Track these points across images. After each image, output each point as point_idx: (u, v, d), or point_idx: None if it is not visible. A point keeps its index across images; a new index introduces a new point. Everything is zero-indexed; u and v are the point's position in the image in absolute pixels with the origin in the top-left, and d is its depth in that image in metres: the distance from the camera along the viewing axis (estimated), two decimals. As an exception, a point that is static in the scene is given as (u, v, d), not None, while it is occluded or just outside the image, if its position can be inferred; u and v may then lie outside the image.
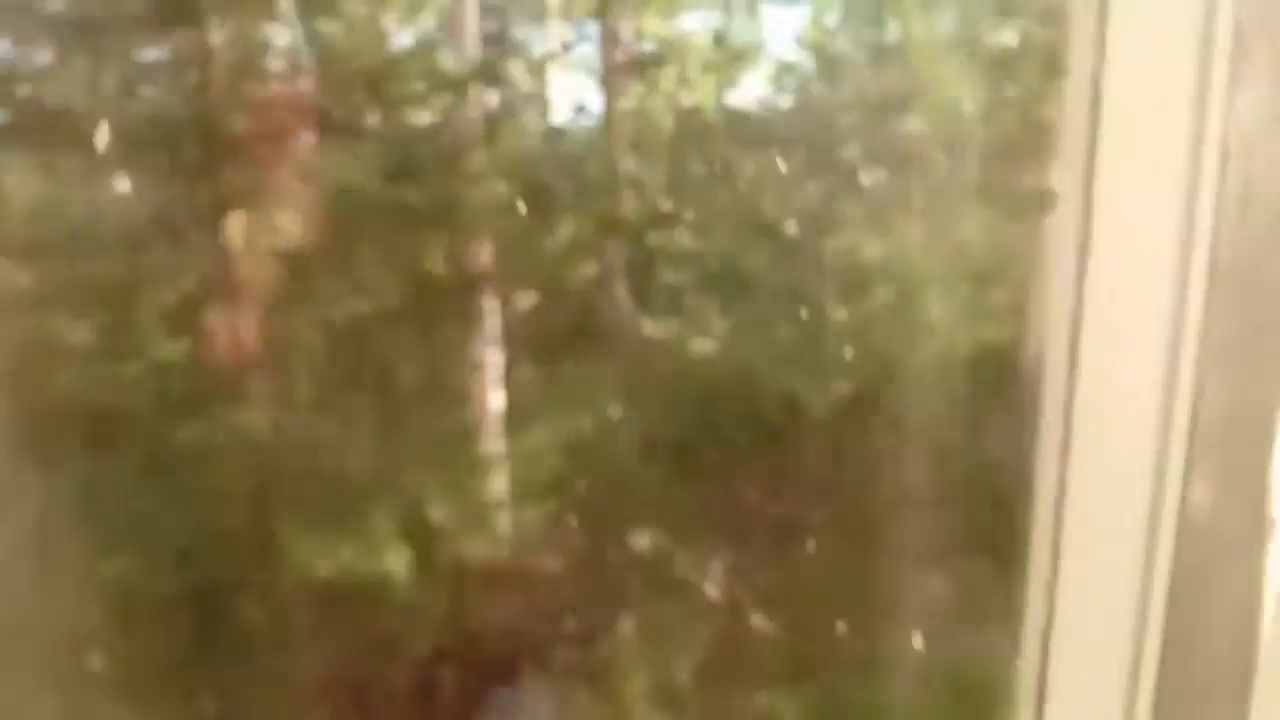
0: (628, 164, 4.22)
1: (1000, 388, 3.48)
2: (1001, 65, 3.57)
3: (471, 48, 2.91)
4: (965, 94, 3.80)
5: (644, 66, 4.44)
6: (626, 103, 4.33)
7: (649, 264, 4.24)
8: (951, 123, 3.90)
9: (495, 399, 3.08)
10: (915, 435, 3.40)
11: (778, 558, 2.95)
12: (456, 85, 2.46)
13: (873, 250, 4.11)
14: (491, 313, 2.93)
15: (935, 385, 3.54)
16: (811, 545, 2.96)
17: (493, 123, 3.06)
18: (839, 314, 3.88)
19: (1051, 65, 3.21)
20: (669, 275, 4.17)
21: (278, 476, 2.16)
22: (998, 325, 3.70)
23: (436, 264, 2.61)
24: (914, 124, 4.06)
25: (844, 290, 3.95)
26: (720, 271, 4.17)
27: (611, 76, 4.27)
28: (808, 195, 4.30)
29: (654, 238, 4.39)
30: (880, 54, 4.30)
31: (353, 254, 2.41)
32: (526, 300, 3.24)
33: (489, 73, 2.60)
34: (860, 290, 3.96)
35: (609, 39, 4.31)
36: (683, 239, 4.30)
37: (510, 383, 3.14)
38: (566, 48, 4.55)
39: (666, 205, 4.29)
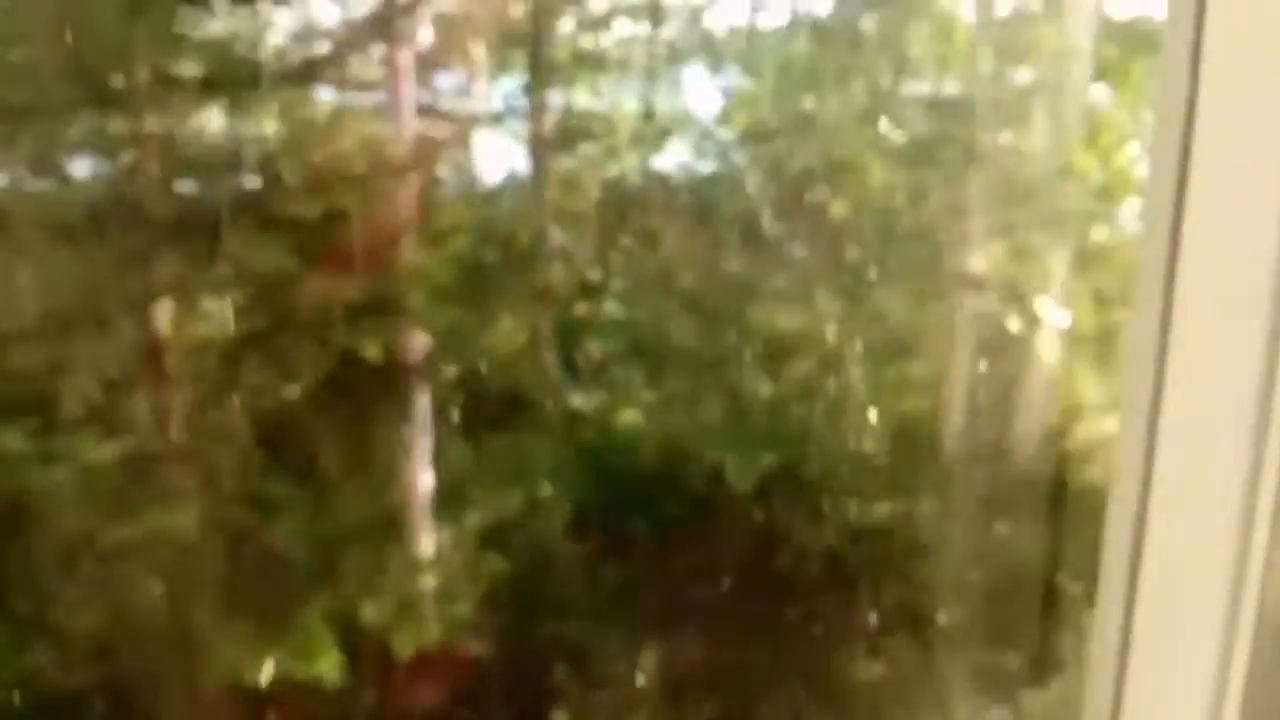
0: (555, 235, 4.26)
1: (923, 460, 3.58)
2: (918, 152, 3.71)
3: (408, 119, 2.92)
4: (882, 176, 3.92)
5: (571, 139, 4.49)
6: (554, 174, 4.37)
7: (576, 334, 4.27)
8: (871, 203, 4.02)
9: (425, 480, 3.06)
10: (843, 510, 3.46)
11: (710, 640, 2.97)
12: (398, 170, 2.47)
13: (792, 322, 4.19)
14: (420, 390, 2.91)
15: (859, 459, 3.62)
16: (741, 628, 2.99)
17: (425, 197, 3.06)
18: (765, 387, 3.94)
19: (968, 154, 3.34)
20: (596, 346, 4.20)
21: (207, 576, 2.12)
22: (917, 399, 3.81)
23: (367, 346, 2.59)
24: (837, 207, 4.17)
25: (769, 362, 4.01)
26: (647, 342, 4.21)
27: (538, 148, 4.31)
28: (732, 266, 4.36)
29: (581, 308, 4.42)
30: (802, 136, 4.41)
31: (281, 340, 2.39)
32: (455, 376, 3.23)
33: (426, 156, 2.61)
34: (783, 363, 4.03)
35: (537, 111, 4.35)
36: (610, 309, 4.33)
37: (439, 462, 3.12)
38: (499, 120, 4.59)
39: (594, 275, 4.33)
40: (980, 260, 3.39)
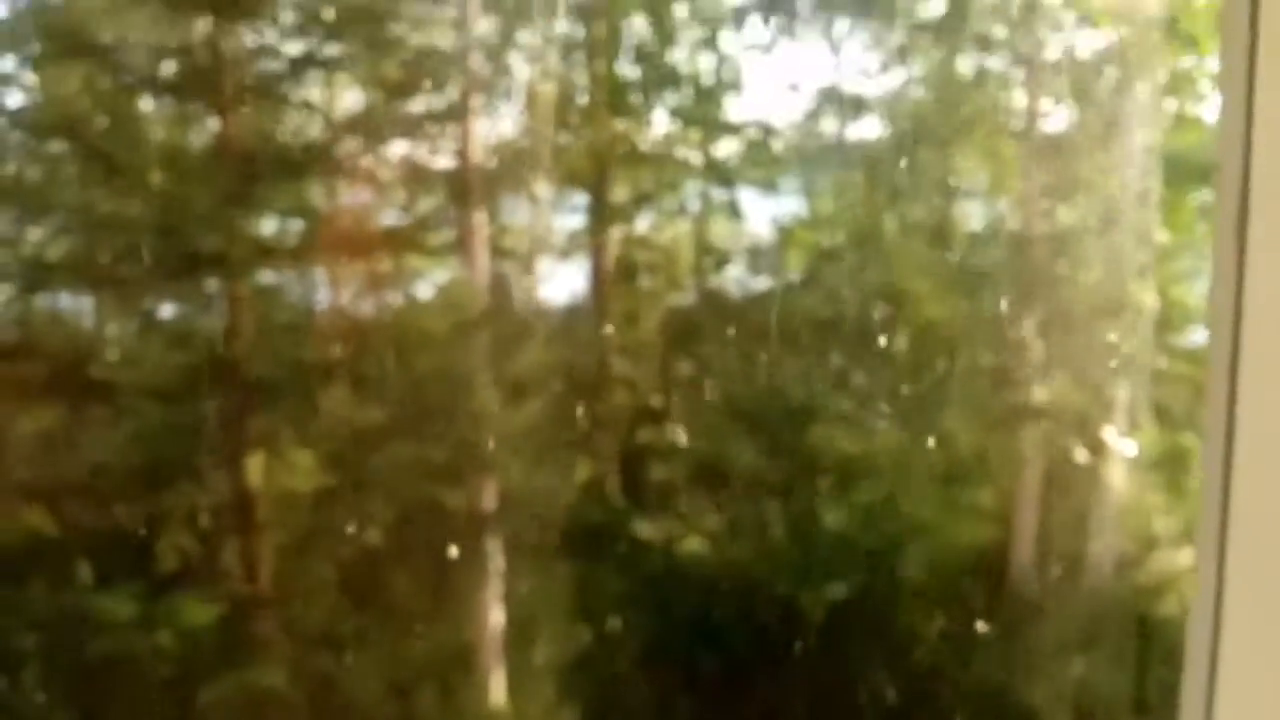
0: (619, 363, 4.34)
1: (993, 592, 3.55)
2: (977, 283, 3.76)
3: (481, 282, 3.05)
4: (943, 310, 3.97)
5: (631, 273, 4.61)
6: (615, 304, 4.48)
7: (640, 461, 4.32)
8: (932, 335, 4.06)
9: (496, 615, 3.11)
10: (910, 644, 3.44)
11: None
12: (472, 328, 2.58)
13: (854, 446, 4.20)
14: (493, 532, 2.97)
15: (930, 589, 3.60)
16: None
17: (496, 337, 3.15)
18: (832, 514, 3.94)
19: (1026, 283, 3.39)
20: (660, 472, 4.23)
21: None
22: (985, 528, 3.80)
23: (441, 491, 2.67)
24: (897, 333, 4.22)
25: (834, 487, 4.01)
26: (710, 466, 4.24)
27: (600, 280, 4.43)
28: (794, 389, 4.40)
29: (644, 434, 4.47)
30: (858, 261, 4.49)
31: (365, 491, 2.48)
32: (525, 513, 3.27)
33: (504, 317, 2.73)
34: (849, 487, 4.03)
35: (598, 244, 4.49)
36: (674, 435, 4.37)
37: (510, 599, 3.17)
38: (566, 255, 4.74)
39: (656, 401, 4.39)
40: (1043, 389, 3.42)
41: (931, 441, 3.89)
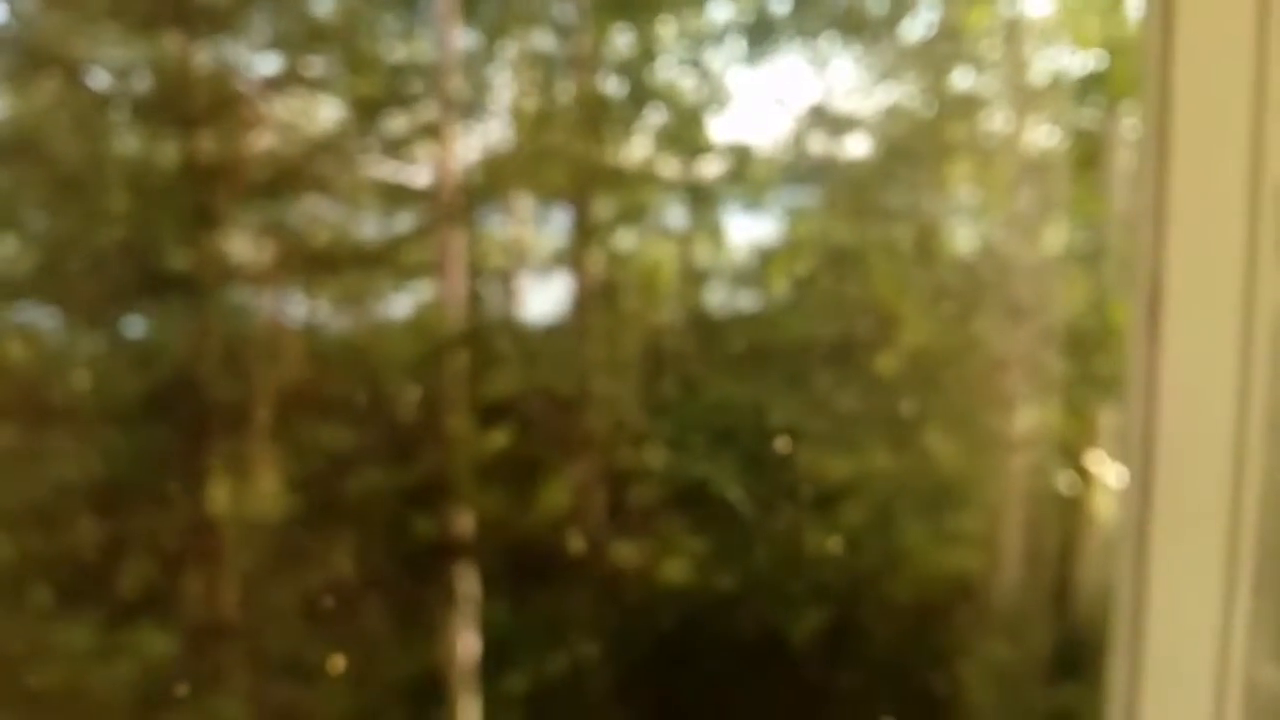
0: (600, 384, 4.29)
1: (975, 613, 3.50)
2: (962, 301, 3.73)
3: (458, 301, 3.01)
4: (929, 329, 3.92)
5: (612, 293, 4.56)
6: (596, 322, 4.44)
7: (621, 485, 4.27)
8: (922, 358, 4.01)
9: (471, 645, 3.05)
10: (895, 667, 3.40)
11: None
12: (447, 349, 2.53)
13: (840, 470, 4.15)
14: (466, 559, 2.92)
15: (913, 613, 3.56)
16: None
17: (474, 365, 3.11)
18: (815, 537, 3.89)
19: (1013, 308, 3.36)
20: (640, 495, 4.18)
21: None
22: (968, 552, 3.75)
23: (417, 523, 2.62)
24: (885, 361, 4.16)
25: (818, 511, 3.96)
26: (691, 490, 4.19)
27: (582, 299, 4.39)
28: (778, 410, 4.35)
29: (625, 457, 4.41)
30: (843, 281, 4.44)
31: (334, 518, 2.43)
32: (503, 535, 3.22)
33: (482, 339, 2.68)
34: (832, 512, 3.98)
35: (578, 267, 4.45)
36: (653, 458, 4.32)
37: (485, 626, 3.12)
38: (545, 271, 4.70)
39: (637, 423, 4.34)
40: (1027, 415, 3.39)
41: (915, 465, 3.86)
